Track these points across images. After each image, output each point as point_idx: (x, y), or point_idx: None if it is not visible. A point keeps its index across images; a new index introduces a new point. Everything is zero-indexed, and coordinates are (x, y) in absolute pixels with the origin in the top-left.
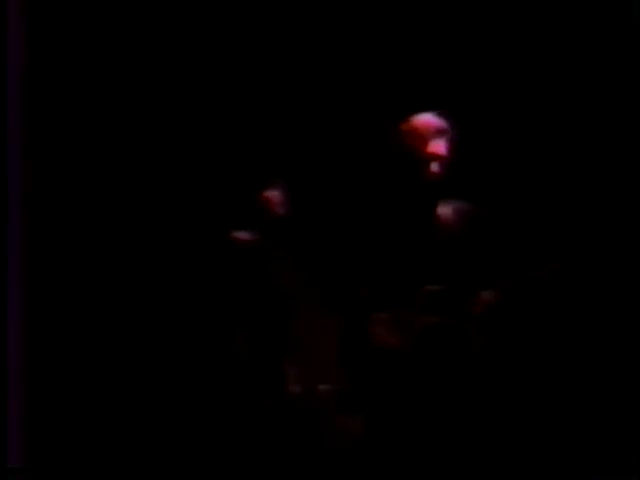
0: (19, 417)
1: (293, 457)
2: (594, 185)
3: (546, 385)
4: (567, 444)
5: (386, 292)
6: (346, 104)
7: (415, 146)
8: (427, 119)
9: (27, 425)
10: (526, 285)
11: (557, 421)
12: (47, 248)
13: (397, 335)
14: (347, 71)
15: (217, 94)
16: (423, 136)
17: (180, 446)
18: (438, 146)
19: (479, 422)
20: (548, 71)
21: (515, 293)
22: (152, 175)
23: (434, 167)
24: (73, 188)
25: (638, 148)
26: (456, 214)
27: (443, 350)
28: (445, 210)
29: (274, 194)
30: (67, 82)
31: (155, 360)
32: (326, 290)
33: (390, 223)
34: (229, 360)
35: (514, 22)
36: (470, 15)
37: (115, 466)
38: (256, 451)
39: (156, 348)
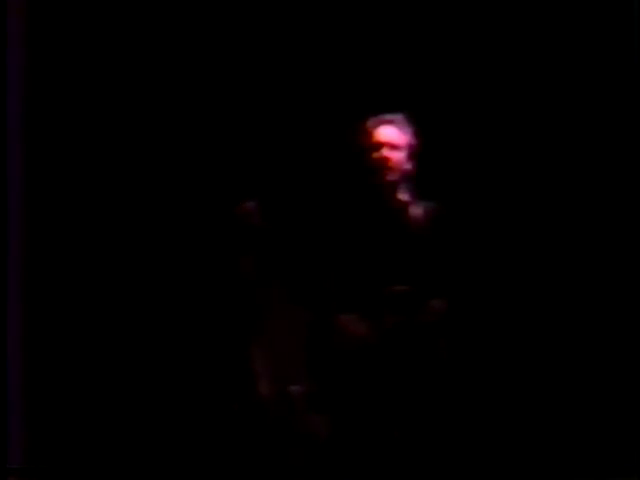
0: (19, 417)
1: (263, 458)
2: (569, 187)
3: (537, 385)
4: (563, 446)
5: (354, 292)
6: (311, 109)
7: (364, 140)
8: (379, 116)
9: (27, 425)
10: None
11: (551, 422)
12: (47, 248)
13: (365, 326)
14: (310, 80)
15: (209, 98)
16: (369, 129)
17: (179, 446)
18: (381, 134)
19: (451, 421)
20: (536, 69)
21: (465, 301)
22: (148, 177)
23: (386, 152)
24: (73, 188)
25: (623, 151)
26: (427, 215)
27: (408, 349)
28: (416, 211)
29: (251, 205)
30: (67, 82)
31: (154, 360)
32: (294, 290)
33: (356, 221)
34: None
35: (506, 18)
36: (453, 13)
37: (115, 466)
38: (228, 452)
39: (154, 348)
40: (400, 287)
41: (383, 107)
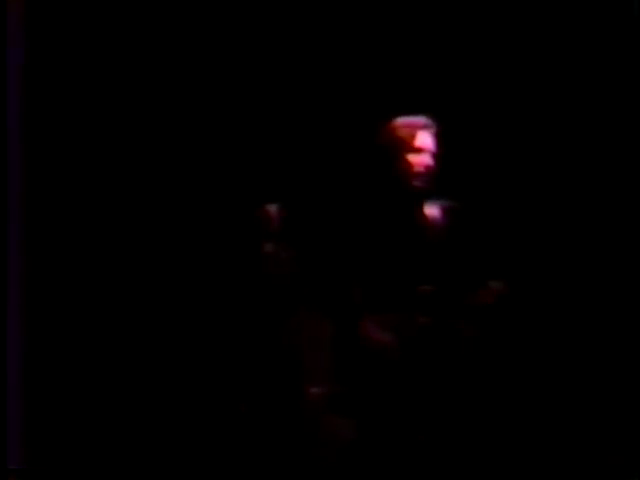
0: (19, 417)
1: (285, 459)
2: (582, 182)
3: (544, 385)
4: (566, 445)
5: (379, 294)
6: (333, 107)
7: (404, 141)
8: (413, 116)
9: (27, 425)
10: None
11: (555, 421)
12: (47, 248)
13: (391, 334)
14: (332, 76)
15: (215, 98)
16: (410, 131)
17: (179, 446)
18: (425, 140)
19: (474, 422)
20: (543, 69)
21: (524, 283)
22: (151, 177)
23: (425, 159)
24: (73, 188)
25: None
26: (444, 214)
27: (437, 350)
28: (433, 210)
29: (272, 208)
30: (67, 81)
31: (154, 360)
32: (318, 293)
33: (381, 224)
34: (225, 361)
35: (509, 20)
36: (462, 15)
37: (115, 466)
38: (246, 453)
39: (154, 348)
40: (426, 287)
41: (400, 108)
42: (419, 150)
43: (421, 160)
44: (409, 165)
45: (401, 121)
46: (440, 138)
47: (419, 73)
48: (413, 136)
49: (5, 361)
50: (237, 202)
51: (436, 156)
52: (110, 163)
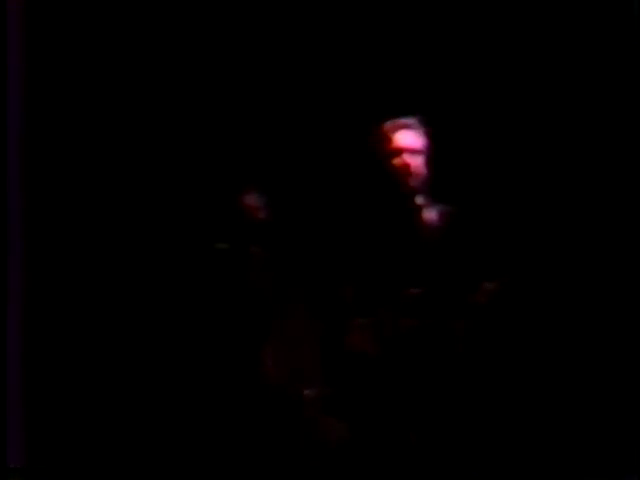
0: (19, 417)
1: (276, 460)
2: (579, 185)
3: (537, 386)
4: (564, 445)
5: (370, 296)
6: (325, 107)
7: (382, 144)
8: (394, 120)
9: (27, 425)
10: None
11: (551, 422)
12: (47, 248)
13: (376, 342)
14: (325, 75)
15: (206, 96)
16: (387, 134)
17: (179, 446)
18: (401, 139)
19: (464, 423)
20: (542, 69)
21: (516, 284)
22: (147, 177)
23: (407, 158)
24: (73, 188)
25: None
26: (441, 217)
27: (426, 353)
28: (430, 214)
29: (252, 198)
30: (67, 82)
31: (153, 360)
32: (309, 294)
33: (372, 226)
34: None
35: (506, 20)
36: (456, 15)
37: (115, 466)
38: (238, 453)
39: (154, 348)
40: (415, 290)
41: (395, 110)
42: (397, 151)
43: (400, 160)
44: (393, 167)
45: (384, 124)
46: (435, 141)
47: (413, 74)
48: (390, 139)
49: (5, 360)
50: (227, 201)
51: (423, 154)
52: (108, 162)
